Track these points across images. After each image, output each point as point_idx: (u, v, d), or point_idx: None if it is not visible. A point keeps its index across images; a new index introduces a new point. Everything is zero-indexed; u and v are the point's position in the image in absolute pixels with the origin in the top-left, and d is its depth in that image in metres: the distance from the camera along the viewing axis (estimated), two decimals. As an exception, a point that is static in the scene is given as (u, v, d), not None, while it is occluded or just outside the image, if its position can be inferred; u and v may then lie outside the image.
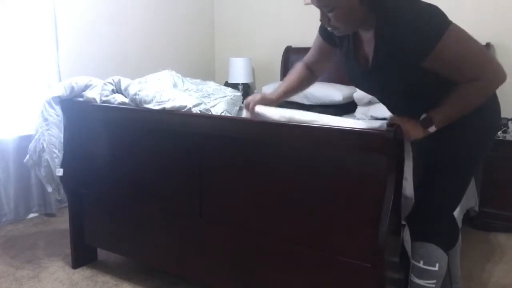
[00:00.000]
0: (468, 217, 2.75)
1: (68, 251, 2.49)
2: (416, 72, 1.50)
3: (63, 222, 3.01)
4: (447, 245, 1.78)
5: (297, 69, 1.91)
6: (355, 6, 1.47)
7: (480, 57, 1.50)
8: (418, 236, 1.69)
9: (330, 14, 1.51)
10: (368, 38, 1.57)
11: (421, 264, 1.67)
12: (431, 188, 1.67)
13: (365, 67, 1.62)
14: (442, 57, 1.44)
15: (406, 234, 1.78)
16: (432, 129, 1.53)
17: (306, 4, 3.84)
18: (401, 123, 1.49)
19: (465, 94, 1.50)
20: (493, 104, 1.65)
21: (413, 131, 1.52)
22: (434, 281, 1.67)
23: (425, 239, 1.67)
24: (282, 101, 1.95)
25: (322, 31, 1.79)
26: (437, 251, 1.66)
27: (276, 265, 1.78)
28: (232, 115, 2.47)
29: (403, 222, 1.71)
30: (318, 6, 1.52)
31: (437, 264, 1.66)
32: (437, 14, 1.44)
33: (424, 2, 1.48)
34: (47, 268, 2.45)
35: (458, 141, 1.62)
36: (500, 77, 1.51)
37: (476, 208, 2.82)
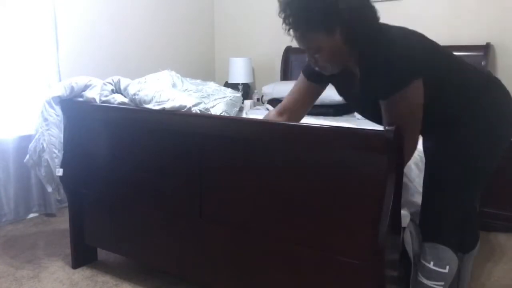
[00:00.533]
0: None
1: (68, 251, 2.49)
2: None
3: (63, 222, 3.01)
4: (464, 248, 1.82)
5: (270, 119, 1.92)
6: (339, 45, 1.52)
7: (408, 129, 1.51)
8: (429, 237, 1.70)
9: (316, 56, 1.56)
10: (356, 71, 1.63)
11: (431, 265, 1.66)
12: (438, 194, 1.68)
13: (356, 96, 1.69)
14: (387, 104, 1.54)
15: (407, 235, 1.78)
16: None
17: (306, 4, 3.84)
18: None
19: None
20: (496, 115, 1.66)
21: None
22: (443, 283, 1.67)
23: (436, 241, 1.67)
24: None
25: (307, 71, 1.84)
26: (448, 253, 1.66)
27: (276, 265, 1.78)
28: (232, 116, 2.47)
29: (404, 225, 1.72)
30: (304, 48, 1.58)
31: (447, 267, 1.66)
32: (405, 65, 1.47)
33: (403, 45, 1.51)
34: (47, 268, 2.45)
35: (462, 152, 1.64)
36: (411, 154, 1.62)
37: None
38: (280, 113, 1.92)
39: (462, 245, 1.86)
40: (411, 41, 1.53)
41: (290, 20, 1.52)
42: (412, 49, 1.50)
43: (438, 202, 1.68)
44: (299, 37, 1.55)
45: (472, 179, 1.68)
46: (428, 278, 1.68)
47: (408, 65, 1.47)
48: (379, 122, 1.70)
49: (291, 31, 1.55)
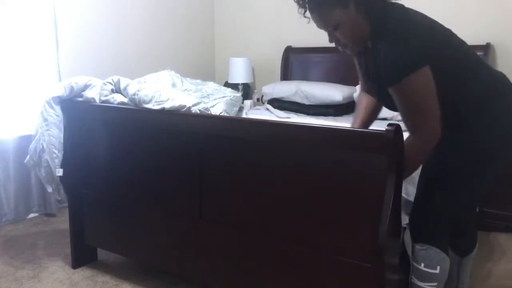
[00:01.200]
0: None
1: (68, 251, 2.49)
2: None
3: (63, 222, 3.01)
4: (463, 252, 1.81)
5: (363, 99, 1.90)
6: (355, 17, 1.51)
7: (422, 115, 1.49)
8: (419, 238, 1.68)
9: (337, 33, 1.55)
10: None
11: (422, 267, 1.66)
12: (431, 195, 1.66)
13: (372, 79, 1.69)
14: (396, 94, 1.50)
15: (407, 236, 1.78)
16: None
17: (306, 4, 3.84)
18: None
19: (406, 152, 1.49)
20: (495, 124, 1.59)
21: None
22: (435, 283, 1.66)
23: (426, 242, 1.66)
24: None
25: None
26: (439, 255, 1.65)
27: (276, 265, 1.78)
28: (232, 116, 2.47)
29: (404, 224, 1.71)
30: (323, 28, 1.57)
31: (438, 267, 1.65)
32: (415, 47, 1.44)
33: (415, 23, 1.50)
34: (47, 268, 2.45)
35: (455, 157, 1.60)
36: (429, 141, 1.51)
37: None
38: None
39: (460, 249, 1.85)
40: (421, 25, 1.50)
41: (306, 2, 1.55)
42: (420, 35, 1.46)
43: (430, 202, 1.65)
44: (316, 18, 1.56)
45: (470, 180, 1.63)
46: (420, 280, 1.67)
47: (418, 44, 1.43)
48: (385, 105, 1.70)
49: (307, 13, 1.56)
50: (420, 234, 1.68)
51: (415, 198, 1.72)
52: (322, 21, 1.55)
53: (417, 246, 1.67)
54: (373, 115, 1.89)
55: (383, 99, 1.68)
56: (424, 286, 1.66)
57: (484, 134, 1.57)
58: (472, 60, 1.61)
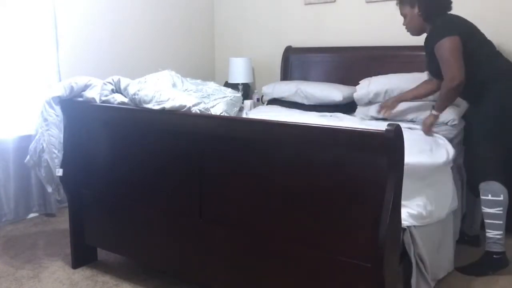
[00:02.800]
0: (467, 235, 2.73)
1: (68, 251, 2.49)
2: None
3: (63, 222, 3.01)
4: (477, 192, 2.37)
5: (422, 83, 2.72)
6: (416, 16, 2.46)
7: (450, 64, 2.31)
8: (482, 178, 2.33)
9: (404, 20, 2.53)
10: None
11: (489, 197, 2.30)
12: (477, 147, 2.40)
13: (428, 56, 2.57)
14: (436, 52, 2.37)
15: (407, 236, 1.78)
16: (434, 112, 2.46)
17: (306, 4, 3.84)
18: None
19: (440, 92, 2.45)
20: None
21: (427, 118, 2.50)
22: (501, 208, 2.28)
23: (488, 179, 2.31)
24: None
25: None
26: (499, 186, 2.29)
27: (276, 265, 1.78)
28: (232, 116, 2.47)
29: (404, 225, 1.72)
30: (401, 14, 2.54)
31: (502, 195, 2.29)
32: (447, 26, 2.37)
33: (452, 17, 2.43)
34: (47, 268, 2.45)
35: (474, 118, 2.47)
36: (453, 81, 2.30)
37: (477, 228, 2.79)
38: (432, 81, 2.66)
39: (476, 189, 2.41)
40: (455, 19, 2.42)
41: None
42: (453, 23, 2.39)
43: (480, 151, 2.36)
44: (398, 7, 2.55)
45: (497, 131, 2.34)
46: (490, 207, 2.29)
47: (450, 25, 2.36)
48: (437, 77, 2.51)
49: (396, 3, 2.57)
50: (482, 175, 2.34)
51: (468, 155, 2.49)
52: (400, 10, 2.54)
53: (482, 184, 2.33)
54: (423, 93, 2.69)
55: (430, 67, 2.56)
56: (495, 212, 2.28)
57: (495, 102, 2.35)
58: (492, 50, 2.43)
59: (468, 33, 2.36)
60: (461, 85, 2.29)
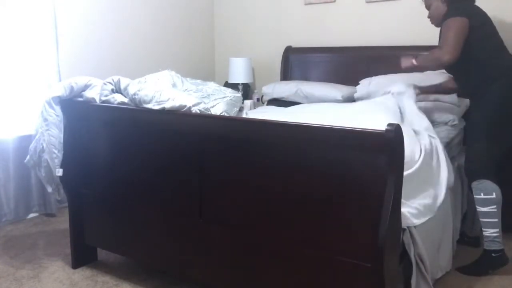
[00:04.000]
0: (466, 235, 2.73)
1: (68, 251, 2.49)
2: None
3: (63, 222, 3.01)
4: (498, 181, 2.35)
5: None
6: (440, 7, 2.50)
7: (451, 41, 2.32)
8: (474, 177, 2.33)
9: (429, 11, 2.59)
10: None
11: (482, 196, 2.30)
12: (472, 145, 2.41)
13: None
14: (442, 28, 2.43)
15: (406, 236, 1.78)
16: (414, 62, 2.50)
17: (306, 4, 3.84)
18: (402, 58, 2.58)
19: (429, 53, 2.47)
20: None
21: (404, 61, 2.57)
22: (495, 206, 2.27)
23: (480, 178, 2.30)
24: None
25: None
26: (491, 184, 2.28)
27: (276, 265, 1.78)
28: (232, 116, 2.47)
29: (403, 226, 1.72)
30: (426, 6, 2.60)
31: (494, 193, 2.28)
32: (460, 8, 2.40)
33: (469, 3, 2.47)
34: (47, 268, 2.45)
35: (473, 114, 2.47)
36: (444, 56, 2.32)
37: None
38: None
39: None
40: (471, 5, 2.46)
41: None
42: (467, 7, 2.42)
43: (474, 150, 2.37)
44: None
45: (490, 129, 2.33)
46: (483, 206, 2.29)
47: (463, 7, 2.40)
48: None
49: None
50: (474, 173, 2.35)
51: (467, 151, 2.47)
52: (425, 2, 2.60)
53: (475, 183, 2.33)
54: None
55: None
56: (488, 210, 2.28)
57: (493, 98, 2.35)
58: (499, 43, 2.45)
59: (479, 21, 2.38)
60: (449, 63, 2.32)
